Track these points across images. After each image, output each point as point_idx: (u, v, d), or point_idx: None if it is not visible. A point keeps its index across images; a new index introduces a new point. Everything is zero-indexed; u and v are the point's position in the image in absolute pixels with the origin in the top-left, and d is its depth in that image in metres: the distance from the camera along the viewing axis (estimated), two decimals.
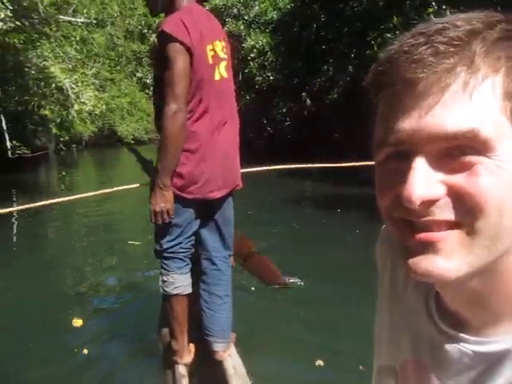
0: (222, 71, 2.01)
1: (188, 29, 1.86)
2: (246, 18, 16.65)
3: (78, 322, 2.87)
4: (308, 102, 14.15)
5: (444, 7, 6.11)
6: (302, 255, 4.48)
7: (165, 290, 2.11)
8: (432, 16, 6.33)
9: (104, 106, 7.94)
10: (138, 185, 2.47)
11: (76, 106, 7.57)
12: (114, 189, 2.66)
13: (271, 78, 13.86)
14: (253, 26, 16.25)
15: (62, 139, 35.98)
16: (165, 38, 1.86)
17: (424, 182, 0.41)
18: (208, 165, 1.99)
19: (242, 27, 16.39)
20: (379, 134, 0.46)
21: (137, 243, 4.89)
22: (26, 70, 7.80)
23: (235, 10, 17.03)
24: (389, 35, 7.23)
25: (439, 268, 0.42)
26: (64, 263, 4.80)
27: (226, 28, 17.24)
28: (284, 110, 15.06)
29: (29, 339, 2.89)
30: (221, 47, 2.02)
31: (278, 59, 13.90)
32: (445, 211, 0.42)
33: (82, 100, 7.15)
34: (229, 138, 2.07)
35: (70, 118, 8.98)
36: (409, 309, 0.57)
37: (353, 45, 11.65)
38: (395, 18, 6.90)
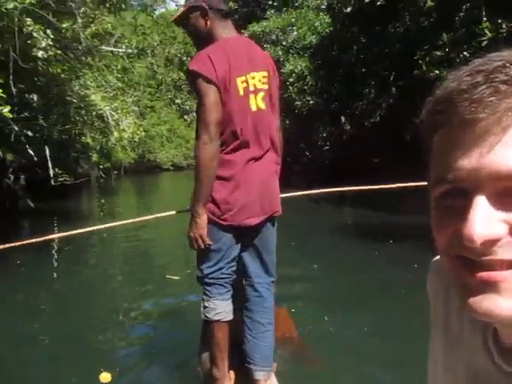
0: (259, 102, 2.06)
1: (214, 64, 1.95)
2: (284, 43, 16.60)
3: (106, 378, 2.56)
4: (348, 125, 13.83)
5: (499, 21, 5.69)
6: (360, 300, 3.87)
7: (206, 316, 2.12)
8: (487, 31, 5.95)
9: (143, 133, 7.86)
10: (174, 212, 2.52)
11: (116, 134, 7.56)
12: (151, 216, 2.69)
13: (311, 102, 13.60)
14: (291, 51, 16.17)
15: (102, 166, 37.10)
16: (192, 76, 1.99)
17: (485, 220, 0.41)
18: (243, 192, 2.03)
19: (280, 52, 16.34)
20: (436, 171, 0.46)
21: (175, 277, 4.68)
22: (68, 98, 7.86)
23: (273, 36, 17.03)
24: (438, 53, 6.86)
25: (502, 308, 0.42)
26: (102, 289, 4.84)
27: None
28: (324, 135, 14.76)
29: (64, 364, 2.91)
30: (259, 78, 2.06)
31: (317, 83, 13.67)
32: (507, 251, 0.42)
33: (122, 127, 7.11)
34: (267, 166, 2.10)
35: (110, 145, 9.02)
36: (465, 345, 0.56)
37: (394, 66, 11.30)
38: (445, 35, 6.54)
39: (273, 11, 18.83)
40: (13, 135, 6.60)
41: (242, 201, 2.03)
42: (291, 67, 13.98)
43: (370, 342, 3.03)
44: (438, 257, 0.60)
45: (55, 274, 5.43)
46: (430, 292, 0.64)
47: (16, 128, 6.52)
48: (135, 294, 4.56)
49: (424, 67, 7.00)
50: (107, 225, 2.90)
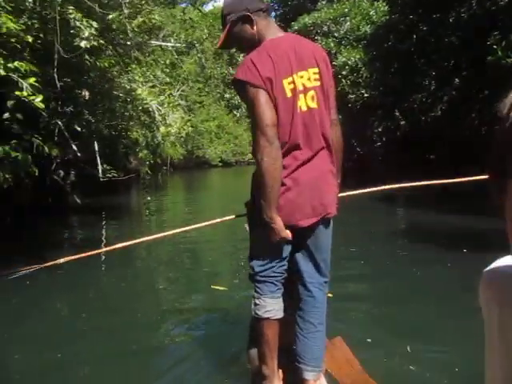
0: (309, 101, 2.00)
1: (258, 69, 1.92)
2: (337, 34, 15.94)
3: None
4: (405, 120, 13.00)
5: None
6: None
7: (256, 314, 2.13)
8: None
9: (190, 129, 7.52)
10: (233, 216, 2.51)
11: (162, 128, 7.29)
12: (211, 222, 2.63)
13: (365, 95, 12.87)
14: (343, 42, 15.49)
15: (151, 162, 37.52)
16: (239, 85, 1.98)
17: None
18: (294, 194, 2.00)
19: (332, 44, 15.69)
20: None
21: (222, 288, 4.33)
22: (115, 93, 7.66)
23: (325, 28, 16.40)
24: None
25: None
26: (150, 288, 4.89)
27: None
28: (379, 130, 13.98)
29: (117, 363, 2.97)
30: (308, 76, 2.00)
31: (372, 75, 12.92)
32: None
33: (168, 122, 6.81)
34: (321, 166, 2.05)
35: (158, 141, 8.81)
36: None
37: (458, 55, 10.42)
38: None
39: (324, 2, 18.17)
40: (57, 130, 6.46)
41: (293, 202, 2.01)
42: (344, 59, 13.32)
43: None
44: (491, 266, 0.65)
45: (104, 274, 5.51)
46: (484, 305, 0.65)
47: (60, 123, 6.35)
48: (183, 291, 4.63)
49: (499, 53, 6.22)
50: (165, 233, 2.83)
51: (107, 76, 7.51)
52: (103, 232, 8.61)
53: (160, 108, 6.81)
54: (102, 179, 9.65)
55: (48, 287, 4.67)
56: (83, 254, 2.64)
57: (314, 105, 2.01)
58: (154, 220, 11.05)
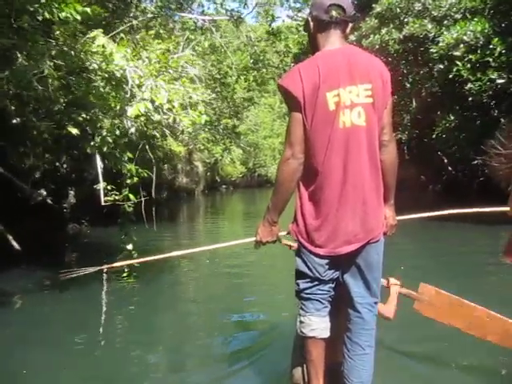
0: (355, 117, 1.95)
1: (303, 79, 1.92)
2: (435, 13, 11.95)
3: None
4: None
5: None
6: None
7: (301, 332, 2.12)
8: None
9: (203, 118, 4.13)
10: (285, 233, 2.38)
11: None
12: (250, 239, 2.32)
13: (499, 81, 8.62)
14: (446, 22, 11.48)
15: (210, 180, 35.36)
16: (281, 91, 2.02)
17: None
18: (333, 218, 1.97)
19: (429, 26, 11.74)
20: None
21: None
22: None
23: (418, 6, 12.47)
24: None
25: None
26: (194, 302, 4.95)
27: (405, 31, 12.86)
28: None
29: (162, 369, 3.22)
30: (358, 92, 1.95)
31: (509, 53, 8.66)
32: None
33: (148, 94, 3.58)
34: (363, 189, 1.98)
35: (121, 126, 5.85)
36: None
37: None
38: None
39: None
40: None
41: (333, 227, 1.98)
42: (457, 35, 9.32)
43: None
44: None
45: (147, 287, 5.38)
46: None
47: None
48: (228, 307, 4.54)
49: None
50: (212, 246, 2.78)
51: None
52: None
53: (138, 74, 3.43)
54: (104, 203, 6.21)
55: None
56: (138, 260, 2.77)
57: (360, 122, 1.95)
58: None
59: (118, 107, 3.45)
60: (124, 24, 4.31)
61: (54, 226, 8.18)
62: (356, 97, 1.93)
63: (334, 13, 1.98)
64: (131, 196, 4.55)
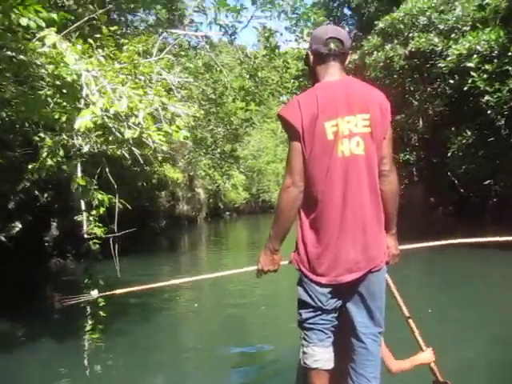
0: (353, 147, 1.97)
1: (301, 110, 1.96)
2: (442, 26, 11.39)
3: None
4: None
5: None
6: None
7: (305, 363, 2.08)
8: None
9: (183, 136, 3.43)
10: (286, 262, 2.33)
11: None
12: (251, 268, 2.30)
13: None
14: (453, 35, 10.90)
15: (212, 207, 34.65)
16: (281, 121, 2.05)
17: None
18: (334, 246, 1.97)
19: (436, 40, 11.17)
20: None
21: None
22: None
23: (423, 20, 11.94)
24: None
25: None
26: (195, 334, 4.87)
27: (411, 46, 12.27)
28: None
29: None
30: (356, 122, 1.98)
31: None
32: None
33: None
34: (363, 217, 1.99)
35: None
36: None
37: None
38: None
39: None
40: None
41: (334, 255, 1.98)
42: (469, 45, 8.66)
43: None
44: None
45: (147, 319, 5.23)
46: None
47: None
48: (228, 340, 4.48)
49: None
50: (213, 275, 2.78)
51: None
52: None
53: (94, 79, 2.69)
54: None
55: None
56: (140, 287, 2.65)
57: (359, 151, 1.98)
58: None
59: (63, 119, 2.73)
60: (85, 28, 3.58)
61: (33, 261, 7.41)
62: (354, 126, 1.97)
63: (332, 45, 2.03)
64: (98, 230, 3.79)
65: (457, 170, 12.01)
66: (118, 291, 2.55)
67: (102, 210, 3.66)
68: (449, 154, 9.74)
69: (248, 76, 8.37)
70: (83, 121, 2.47)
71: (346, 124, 1.96)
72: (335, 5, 18.68)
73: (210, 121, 9.74)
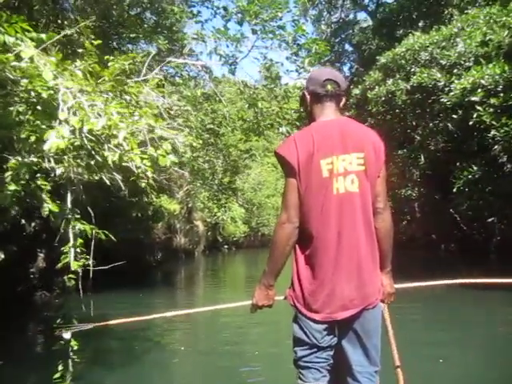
0: (348, 184, 2.00)
1: (298, 148, 1.99)
2: (444, 62, 11.34)
3: None
4: None
5: None
6: None
7: None
8: None
9: (168, 160, 3.18)
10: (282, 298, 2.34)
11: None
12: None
13: None
14: (455, 70, 10.82)
15: (211, 240, 34.16)
16: (277, 158, 2.07)
17: None
18: (328, 283, 1.98)
19: (438, 75, 11.09)
20: None
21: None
22: None
23: (425, 55, 11.92)
24: None
25: None
26: (189, 375, 4.75)
27: (413, 81, 12.18)
28: None
29: None
30: (351, 160, 2.01)
31: None
32: None
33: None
34: (358, 253, 2.00)
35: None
36: None
37: None
38: None
39: (420, 24, 13.85)
40: None
41: (329, 292, 1.97)
42: (473, 79, 8.53)
43: None
44: None
45: (139, 357, 5.05)
46: None
47: None
48: (222, 380, 4.36)
49: None
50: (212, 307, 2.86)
51: None
52: None
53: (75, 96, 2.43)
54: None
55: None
56: (134, 319, 2.67)
57: (353, 188, 2.00)
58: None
59: (32, 138, 2.44)
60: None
61: (18, 294, 7.01)
62: (349, 165, 2.00)
63: (329, 87, 2.08)
64: (75, 264, 3.45)
65: (460, 206, 11.75)
66: (111, 322, 2.58)
67: (79, 241, 3.34)
68: (454, 190, 9.48)
69: (247, 106, 8.19)
70: (54, 141, 2.19)
71: (341, 162, 1.99)
72: (336, 40, 18.88)
73: (209, 151, 9.50)
